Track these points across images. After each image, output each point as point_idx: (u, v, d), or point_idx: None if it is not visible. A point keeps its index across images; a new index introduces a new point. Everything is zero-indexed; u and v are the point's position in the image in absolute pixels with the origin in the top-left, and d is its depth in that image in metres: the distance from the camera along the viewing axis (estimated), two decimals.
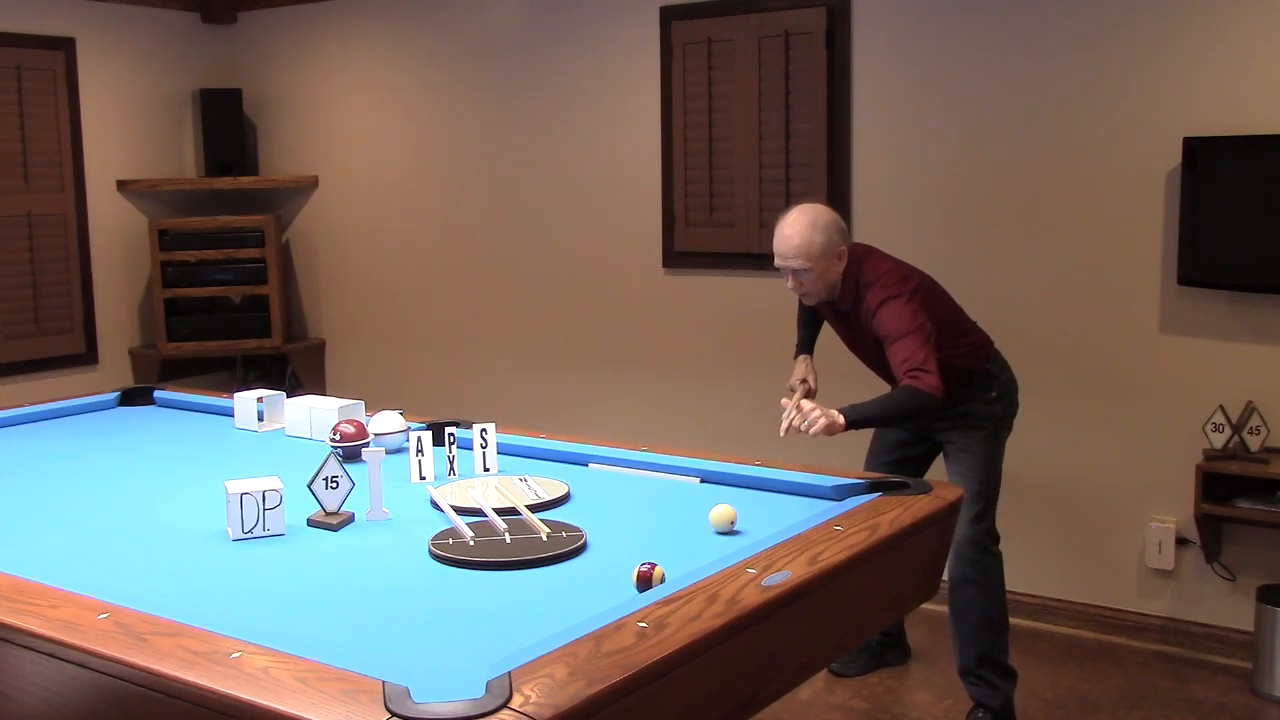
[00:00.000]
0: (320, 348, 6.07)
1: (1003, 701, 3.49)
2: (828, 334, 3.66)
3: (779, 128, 4.62)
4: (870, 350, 3.42)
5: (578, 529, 2.35)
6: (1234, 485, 3.79)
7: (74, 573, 2.11)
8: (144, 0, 5.82)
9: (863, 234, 4.36)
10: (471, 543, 2.27)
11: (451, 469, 2.85)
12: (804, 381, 3.58)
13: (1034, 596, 4.33)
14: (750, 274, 4.75)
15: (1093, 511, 4.23)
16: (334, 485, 2.45)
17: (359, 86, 5.81)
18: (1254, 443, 3.79)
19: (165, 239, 5.72)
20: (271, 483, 2.40)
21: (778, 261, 3.30)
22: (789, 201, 4.49)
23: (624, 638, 1.72)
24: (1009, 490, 3.66)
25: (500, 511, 2.44)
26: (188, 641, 1.73)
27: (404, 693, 1.54)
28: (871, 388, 3.44)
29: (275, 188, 6.07)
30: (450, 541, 2.28)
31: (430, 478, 2.81)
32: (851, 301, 3.35)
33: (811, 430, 2.97)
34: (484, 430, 2.89)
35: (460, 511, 2.47)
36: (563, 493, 2.65)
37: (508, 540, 2.28)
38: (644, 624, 1.77)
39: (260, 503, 2.36)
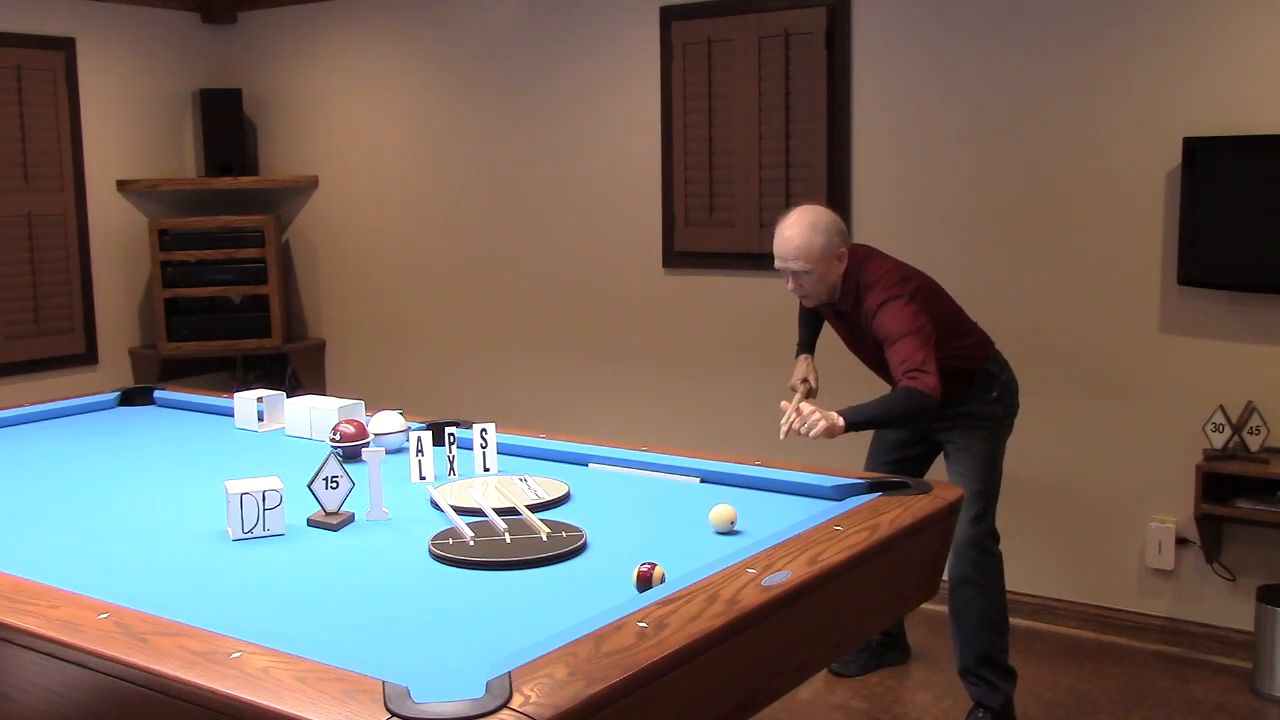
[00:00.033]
0: (320, 348, 6.07)
1: (1003, 701, 3.49)
2: (829, 334, 3.66)
3: (779, 128, 4.62)
4: (870, 351, 3.42)
5: (578, 529, 2.35)
6: (1234, 485, 3.79)
7: (74, 573, 2.11)
8: (144, 0, 5.82)
9: (863, 234, 4.36)
10: (471, 543, 2.27)
11: (451, 469, 2.85)
12: (805, 381, 3.58)
13: (1034, 596, 4.33)
14: (750, 274, 4.75)
15: (1093, 511, 4.23)
16: (334, 485, 2.45)
17: (359, 86, 5.81)
18: (1254, 443, 3.79)
19: (165, 239, 5.72)
20: (271, 483, 2.40)
21: (778, 263, 3.30)
22: (789, 201, 4.50)
23: (624, 638, 1.72)
24: (1009, 490, 3.66)
25: (500, 511, 2.44)
26: (188, 641, 1.73)
27: (404, 693, 1.54)
28: (872, 388, 3.44)
29: (275, 188, 6.07)
30: (450, 541, 2.28)
31: (430, 478, 2.81)
32: (851, 303, 3.35)
33: (811, 433, 2.98)
34: (484, 430, 2.89)
35: (460, 511, 2.47)
36: (563, 493, 2.65)
37: (508, 540, 2.28)
38: (644, 624, 1.77)
39: (260, 503, 2.36)
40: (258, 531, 2.36)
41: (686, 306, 4.98)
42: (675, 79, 4.85)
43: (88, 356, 5.71)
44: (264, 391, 3.48)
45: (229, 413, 3.53)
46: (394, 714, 1.49)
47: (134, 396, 3.83)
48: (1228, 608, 4.01)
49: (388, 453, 2.92)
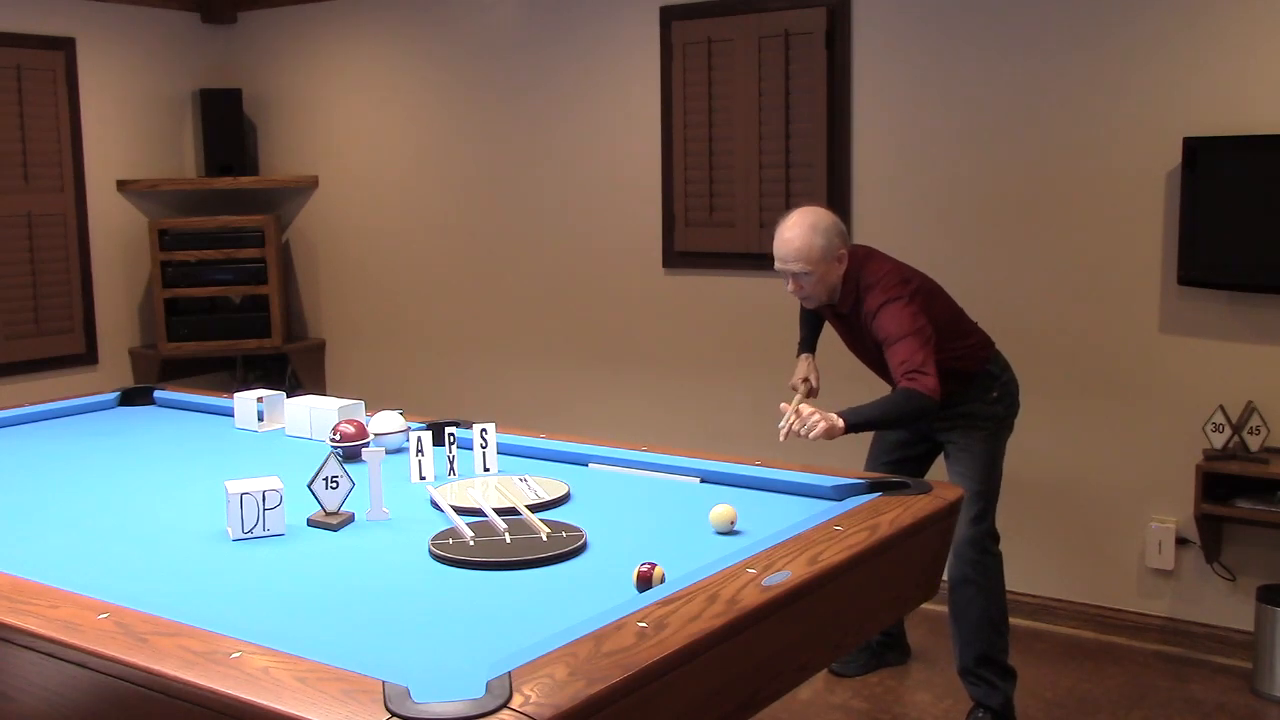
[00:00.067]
0: (320, 348, 6.07)
1: (1003, 701, 3.49)
2: (830, 334, 3.66)
3: (779, 128, 4.62)
4: (870, 352, 3.42)
5: (578, 529, 2.35)
6: (1234, 485, 3.79)
7: (74, 573, 2.11)
8: (144, 0, 5.82)
9: (863, 234, 4.36)
10: (471, 543, 2.27)
11: (451, 469, 2.85)
12: (806, 380, 3.58)
13: (1034, 596, 4.33)
14: (750, 274, 4.75)
15: (1093, 511, 4.23)
16: (334, 485, 2.45)
17: (359, 86, 5.81)
18: (1254, 443, 3.79)
19: (165, 239, 5.72)
20: (271, 483, 2.40)
21: (778, 265, 3.30)
22: (789, 202, 4.50)
23: (624, 638, 1.72)
24: (1009, 490, 3.66)
25: (500, 511, 2.44)
26: (188, 641, 1.73)
27: (404, 693, 1.54)
28: (872, 389, 3.44)
29: (275, 188, 6.07)
30: (450, 541, 2.28)
31: (430, 478, 2.81)
32: (852, 304, 3.35)
33: (810, 435, 2.97)
34: (484, 430, 2.89)
35: (460, 511, 2.47)
36: (563, 493, 2.65)
37: (508, 540, 2.28)
38: (644, 624, 1.77)
39: (260, 503, 2.36)
40: (258, 531, 2.36)
41: (686, 306, 4.98)
42: (675, 79, 4.85)
43: (88, 356, 5.71)
44: (264, 391, 3.48)
45: (229, 413, 3.53)
46: (394, 714, 1.49)
47: (134, 396, 3.83)
48: (1228, 608, 4.01)
49: (388, 453, 2.92)
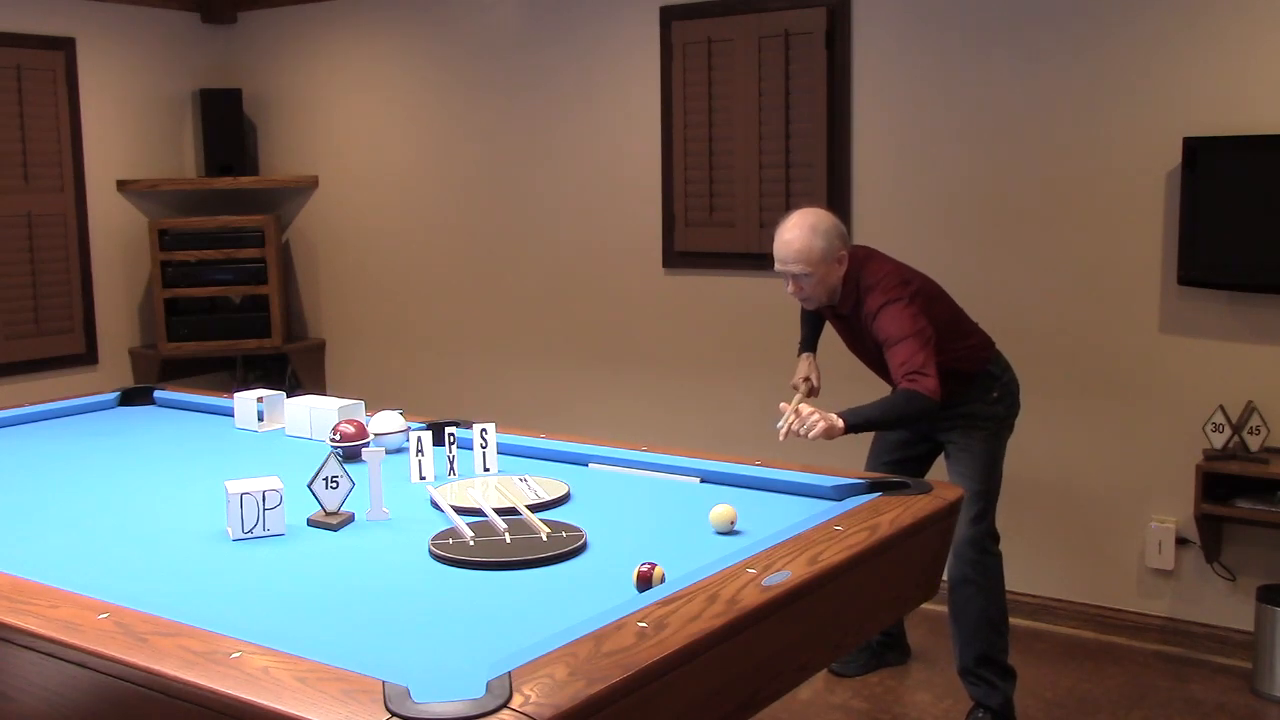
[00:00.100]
0: (320, 348, 6.07)
1: (1002, 701, 3.50)
2: (830, 334, 3.66)
3: (779, 128, 4.62)
4: (871, 353, 3.41)
5: (578, 529, 2.35)
6: (1234, 485, 3.79)
7: (74, 573, 2.11)
8: (144, 0, 5.82)
9: (863, 234, 4.36)
10: (471, 543, 2.27)
11: (451, 469, 2.85)
12: (806, 380, 3.58)
13: (1034, 596, 4.33)
14: (750, 274, 4.75)
15: (1093, 511, 4.23)
16: (334, 485, 2.45)
17: (359, 86, 5.81)
18: (1254, 443, 3.79)
19: (165, 239, 5.72)
20: (271, 483, 2.40)
21: (778, 267, 3.30)
22: (789, 202, 4.50)
23: (624, 638, 1.72)
24: (1009, 490, 3.66)
25: (500, 511, 2.44)
26: (188, 641, 1.73)
27: (404, 693, 1.54)
28: (873, 389, 3.44)
29: (275, 188, 6.07)
30: (450, 541, 2.28)
31: (430, 478, 2.81)
32: (852, 305, 3.35)
33: (810, 435, 2.97)
34: (484, 430, 2.89)
35: (460, 511, 2.47)
36: (563, 493, 2.65)
37: (508, 540, 2.28)
38: (644, 624, 1.77)
39: (260, 503, 2.36)
40: (258, 531, 2.36)
41: (686, 306, 4.98)
42: (675, 79, 4.85)
43: (88, 356, 5.71)
44: (264, 391, 3.48)
45: (229, 413, 3.53)
46: (394, 714, 1.49)
47: (134, 396, 3.83)
48: (1228, 608, 4.01)
49: (388, 453, 2.92)
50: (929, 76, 4.37)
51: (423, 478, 2.81)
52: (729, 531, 2.38)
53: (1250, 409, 3.82)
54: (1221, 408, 3.86)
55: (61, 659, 1.79)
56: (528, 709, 1.50)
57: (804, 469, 2.76)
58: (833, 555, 2.14)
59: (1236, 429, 3.82)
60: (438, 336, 5.71)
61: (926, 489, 2.55)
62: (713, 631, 1.78)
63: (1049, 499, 4.28)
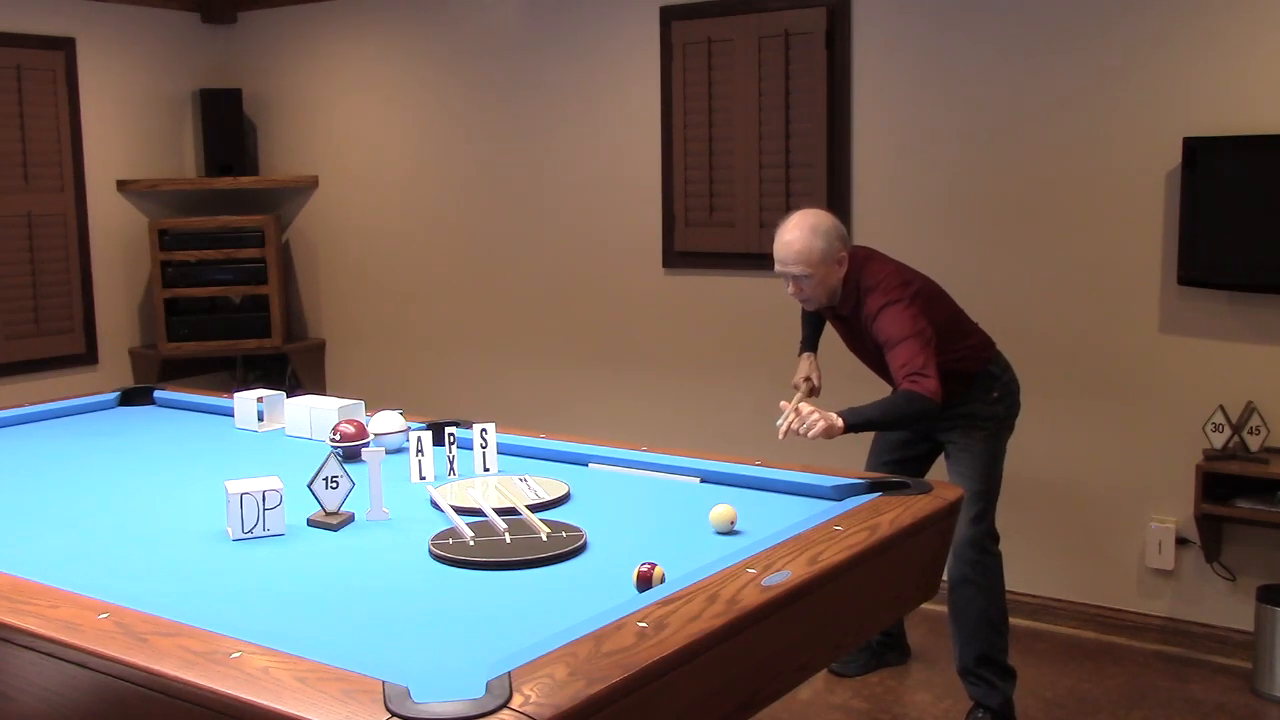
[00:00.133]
0: (320, 348, 6.07)
1: (1002, 701, 3.49)
2: (831, 334, 3.66)
3: (779, 128, 4.62)
4: (871, 353, 3.41)
5: (578, 529, 2.35)
6: (1234, 485, 3.79)
7: (74, 573, 2.11)
8: (144, 0, 5.82)
9: (863, 234, 4.36)
10: (471, 543, 2.27)
11: (451, 469, 2.85)
12: (807, 379, 3.59)
13: (1034, 596, 4.33)
14: (750, 274, 4.75)
15: (1093, 511, 4.23)
16: (334, 485, 2.45)
17: (359, 86, 5.81)
18: (1254, 443, 3.79)
19: (165, 239, 5.72)
20: (271, 483, 2.40)
21: (778, 268, 3.30)
22: (789, 202, 4.50)
23: (624, 638, 1.72)
24: (1009, 490, 3.66)
25: (500, 511, 2.44)
26: (188, 641, 1.73)
27: (404, 693, 1.54)
28: (874, 389, 3.44)
29: (275, 188, 6.07)
30: (450, 541, 2.28)
31: (430, 478, 2.81)
32: (852, 306, 3.34)
33: (809, 433, 2.97)
34: (484, 430, 2.89)
35: (460, 511, 2.47)
36: (563, 493, 2.65)
37: (508, 540, 2.28)
38: (644, 624, 1.77)
39: (260, 503, 2.36)
40: (258, 531, 2.36)
41: (686, 306, 4.98)
42: (675, 79, 4.85)
43: (88, 356, 5.71)
44: (264, 391, 3.48)
45: (229, 413, 3.53)
46: (394, 714, 1.49)
47: (134, 396, 3.83)
48: (1228, 608, 4.01)
49: (388, 453, 2.92)
50: (929, 76, 4.37)
51: (423, 478, 2.81)
52: (729, 531, 2.38)
53: (1250, 409, 3.82)
54: (1221, 408, 3.86)
55: (61, 659, 1.79)
56: (528, 709, 1.50)
57: (804, 469, 2.76)
58: (833, 555, 2.14)
59: (1236, 429, 3.82)
60: (438, 336, 5.71)
61: (926, 489, 2.55)
62: (713, 631, 1.78)
63: (1049, 499, 4.28)
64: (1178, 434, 4.02)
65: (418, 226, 5.70)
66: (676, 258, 4.96)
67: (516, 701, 1.51)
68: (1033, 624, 4.31)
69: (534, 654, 1.66)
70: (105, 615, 1.84)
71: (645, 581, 2.01)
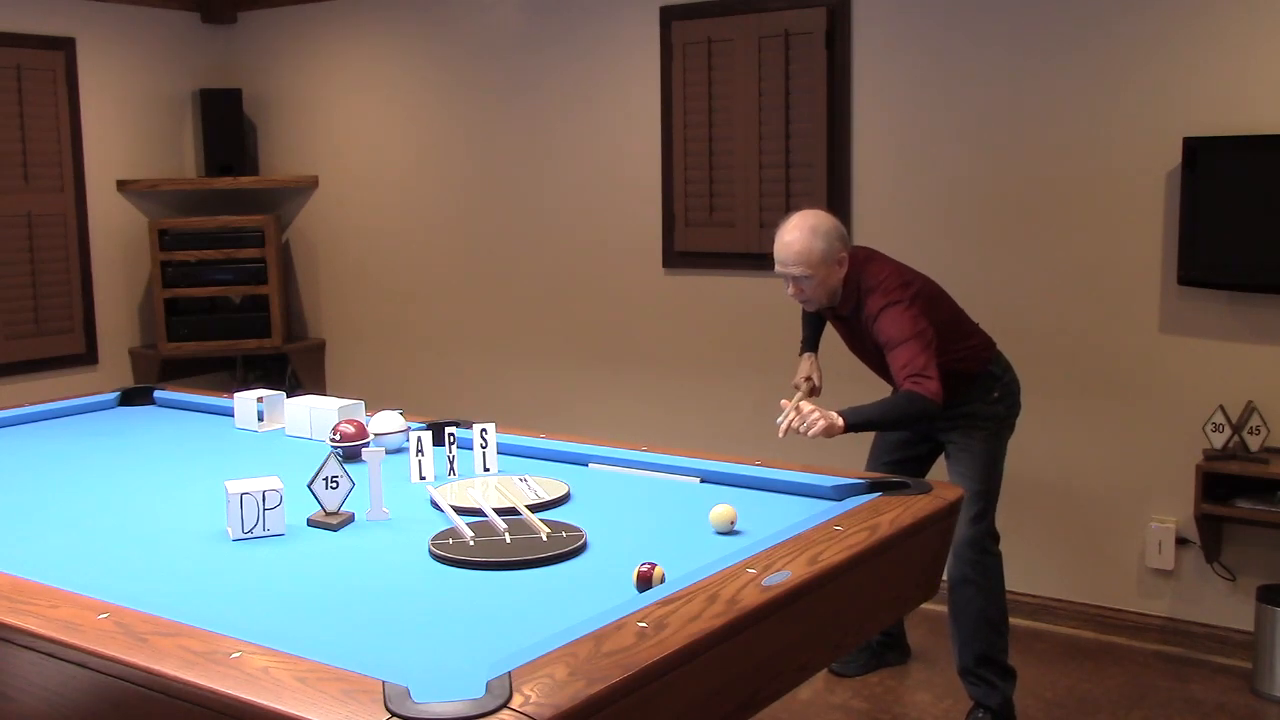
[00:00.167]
0: (320, 348, 6.07)
1: (1002, 701, 3.49)
2: (832, 334, 3.65)
3: (779, 128, 4.62)
4: (872, 354, 3.41)
5: (578, 529, 2.35)
6: (1234, 485, 3.79)
7: (74, 573, 2.11)
8: (144, 0, 5.82)
9: (863, 234, 4.36)
10: (471, 543, 2.27)
11: (451, 469, 2.85)
12: (808, 379, 3.58)
13: (1034, 596, 4.33)
14: (750, 274, 4.75)
15: (1093, 511, 4.23)
16: (334, 485, 2.45)
17: (359, 86, 5.81)
18: (1254, 443, 3.79)
19: (165, 239, 5.72)
20: (271, 483, 2.40)
21: (778, 268, 3.30)
22: (789, 202, 4.50)
23: (624, 638, 1.72)
24: (1009, 490, 3.66)
25: (500, 511, 2.44)
26: (188, 641, 1.73)
27: (404, 693, 1.54)
28: (874, 389, 3.44)
29: (275, 188, 6.07)
30: (450, 541, 2.28)
31: (430, 478, 2.81)
32: (852, 307, 3.34)
33: (810, 432, 2.97)
34: (484, 430, 2.89)
35: (460, 511, 2.47)
36: (563, 493, 2.65)
37: (508, 540, 2.28)
38: (644, 624, 1.77)
39: (260, 503, 2.36)
40: (258, 531, 2.36)
41: (686, 306, 4.98)
42: (675, 79, 4.85)
43: (88, 356, 5.71)
44: (264, 391, 3.48)
45: (229, 413, 3.53)
46: (394, 714, 1.49)
47: (134, 396, 3.83)
48: (1228, 608, 4.01)
49: (388, 453, 2.92)
50: (929, 76, 4.37)
51: (423, 478, 2.81)
52: (729, 531, 2.38)
53: (1250, 409, 3.82)
54: (1221, 408, 3.86)
55: (61, 659, 1.79)
56: (528, 709, 1.50)
57: (804, 469, 2.76)
58: (833, 555, 2.14)
59: (1236, 429, 3.82)
60: (438, 336, 5.72)
61: (926, 489, 2.55)
62: (713, 631, 1.78)
63: (1049, 499, 4.28)
64: (1178, 434, 4.02)
65: (418, 226, 5.70)
66: (676, 258, 4.96)
67: (516, 701, 1.51)
68: (1033, 624, 4.31)
69: (534, 654, 1.66)
70: (105, 615, 1.84)
71: (645, 581, 2.01)
